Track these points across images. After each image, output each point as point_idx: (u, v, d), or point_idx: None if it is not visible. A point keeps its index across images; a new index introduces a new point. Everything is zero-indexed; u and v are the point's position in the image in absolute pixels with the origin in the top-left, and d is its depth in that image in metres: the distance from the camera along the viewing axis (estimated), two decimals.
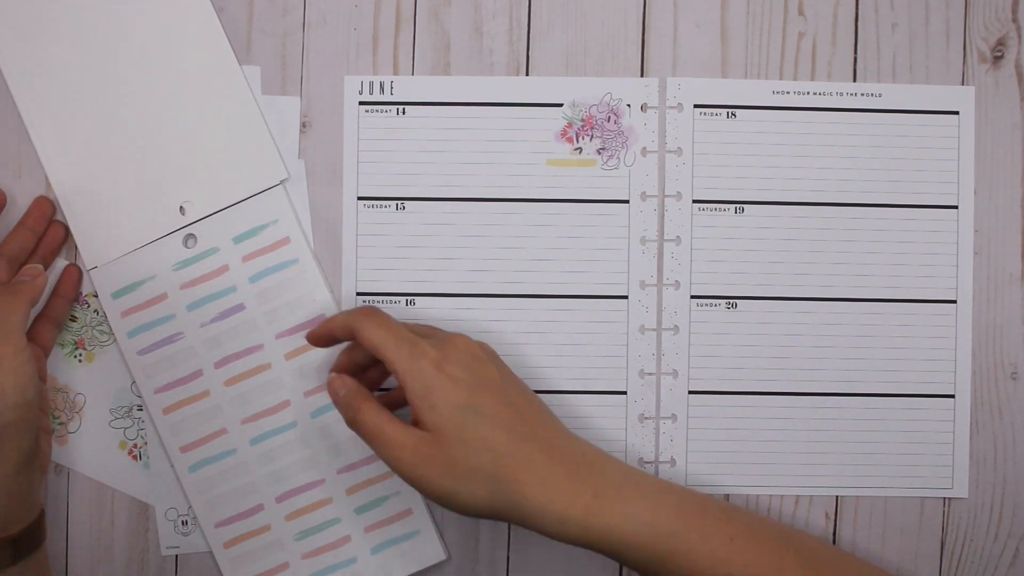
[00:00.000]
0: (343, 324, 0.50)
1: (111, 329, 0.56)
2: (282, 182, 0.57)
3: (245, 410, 0.56)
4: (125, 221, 0.56)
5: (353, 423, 0.49)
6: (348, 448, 0.56)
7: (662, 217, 0.58)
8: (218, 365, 0.56)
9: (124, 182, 0.56)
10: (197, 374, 0.56)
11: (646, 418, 0.58)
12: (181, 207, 0.56)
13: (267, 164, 0.57)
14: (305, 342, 0.55)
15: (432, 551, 0.57)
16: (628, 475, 0.49)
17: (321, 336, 0.52)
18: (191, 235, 0.57)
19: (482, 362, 0.49)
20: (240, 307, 0.56)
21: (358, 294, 0.57)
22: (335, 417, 0.56)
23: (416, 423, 0.48)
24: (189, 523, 0.57)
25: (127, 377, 0.57)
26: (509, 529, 0.58)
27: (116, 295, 0.56)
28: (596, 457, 0.50)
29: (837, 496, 0.58)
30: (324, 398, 0.56)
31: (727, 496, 0.58)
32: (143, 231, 0.56)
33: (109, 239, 0.56)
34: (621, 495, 0.48)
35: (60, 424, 0.57)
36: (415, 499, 0.57)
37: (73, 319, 0.57)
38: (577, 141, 0.58)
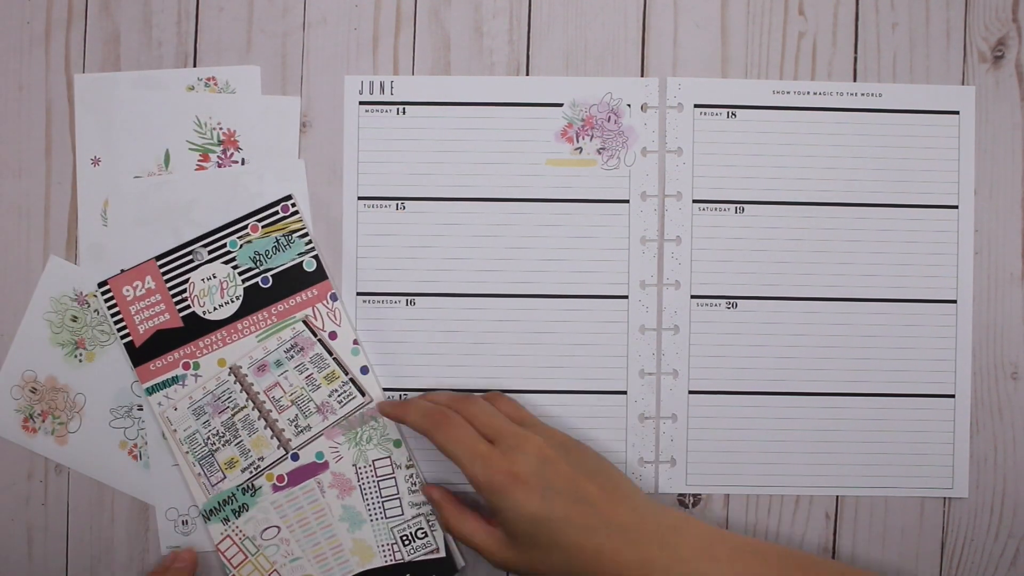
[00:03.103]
0: (416, 425, 0.53)
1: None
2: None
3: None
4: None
5: (446, 527, 0.53)
6: None
7: (662, 217, 0.58)
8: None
9: None
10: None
11: (646, 418, 0.58)
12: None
13: None
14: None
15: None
16: (714, 534, 0.50)
17: (392, 417, 0.55)
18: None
19: (552, 463, 0.50)
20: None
21: (358, 294, 0.57)
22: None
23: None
24: (189, 523, 0.57)
25: (127, 377, 0.57)
26: None
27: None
28: (675, 522, 0.50)
29: (837, 496, 0.58)
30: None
31: (727, 496, 0.58)
32: None
33: None
34: (709, 553, 0.49)
35: (60, 424, 0.57)
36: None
37: (74, 319, 0.57)
38: (577, 141, 0.58)
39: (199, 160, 0.57)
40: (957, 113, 0.58)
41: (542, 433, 0.53)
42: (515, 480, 0.49)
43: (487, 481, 0.50)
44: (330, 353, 0.56)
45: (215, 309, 0.56)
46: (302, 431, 0.56)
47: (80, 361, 0.57)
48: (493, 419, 0.52)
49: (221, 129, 0.57)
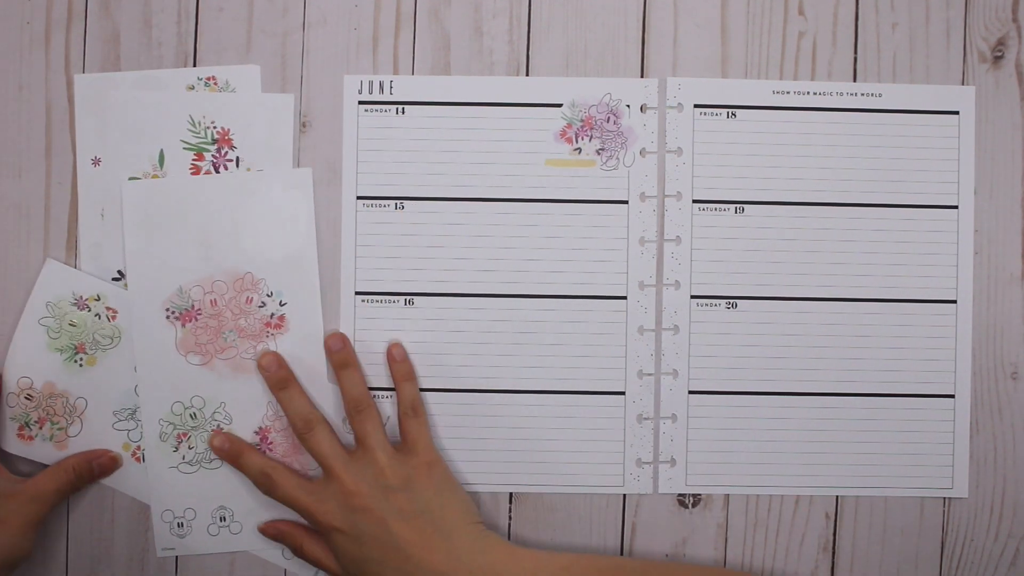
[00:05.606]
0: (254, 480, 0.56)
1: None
2: None
3: None
4: None
5: (299, 554, 0.56)
6: None
7: (662, 217, 0.58)
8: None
9: None
10: None
11: (645, 418, 0.58)
12: None
13: None
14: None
15: None
16: (535, 568, 0.52)
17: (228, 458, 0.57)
18: None
19: (361, 511, 0.53)
20: None
21: (357, 293, 0.57)
22: None
23: None
24: (184, 525, 0.57)
25: (130, 379, 0.57)
26: (510, 524, 0.58)
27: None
28: (491, 564, 0.52)
29: (837, 496, 0.58)
30: None
31: (727, 496, 0.58)
32: None
33: None
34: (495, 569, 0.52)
35: (59, 429, 0.57)
36: None
37: (72, 324, 0.57)
38: (576, 141, 0.58)
39: (193, 159, 0.57)
40: (957, 113, 0.58)
41: (381, 461, 0.54)
42: (332, 529, 0.53)
43: (315, 527, 0.54)
44: None
45: None
46: None
47: (80, 366, 0.57)
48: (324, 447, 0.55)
49: (215, 128, 0.57)
